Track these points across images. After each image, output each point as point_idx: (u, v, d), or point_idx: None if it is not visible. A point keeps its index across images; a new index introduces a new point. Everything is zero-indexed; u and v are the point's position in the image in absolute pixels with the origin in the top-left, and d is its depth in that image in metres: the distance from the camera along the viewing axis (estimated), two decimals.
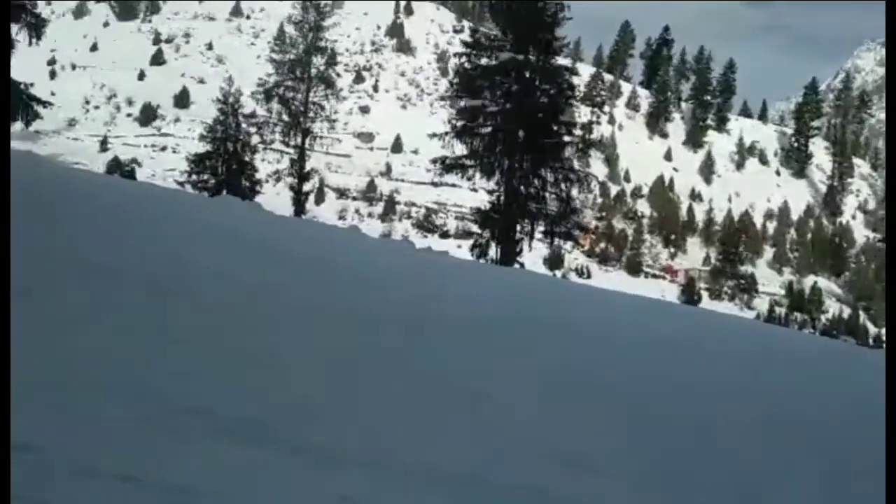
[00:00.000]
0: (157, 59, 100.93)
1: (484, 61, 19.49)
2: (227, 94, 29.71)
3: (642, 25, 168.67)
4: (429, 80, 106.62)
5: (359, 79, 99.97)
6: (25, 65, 21.56)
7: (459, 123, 19.85)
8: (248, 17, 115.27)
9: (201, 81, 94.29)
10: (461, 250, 40.49)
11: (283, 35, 32.43)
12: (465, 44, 21.13)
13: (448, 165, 20.40)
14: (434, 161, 21.30)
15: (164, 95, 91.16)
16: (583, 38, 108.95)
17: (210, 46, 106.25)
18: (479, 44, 19.88)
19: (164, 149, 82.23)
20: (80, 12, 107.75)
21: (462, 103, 19.09)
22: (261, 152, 29.43)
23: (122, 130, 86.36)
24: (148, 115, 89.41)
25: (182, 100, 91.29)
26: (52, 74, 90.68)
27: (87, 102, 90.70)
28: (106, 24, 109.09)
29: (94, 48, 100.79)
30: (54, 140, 78.10)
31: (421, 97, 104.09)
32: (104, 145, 79.89)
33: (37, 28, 21.86)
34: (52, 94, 54.80)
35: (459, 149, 19.95)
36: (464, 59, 20.25)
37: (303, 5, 28.63)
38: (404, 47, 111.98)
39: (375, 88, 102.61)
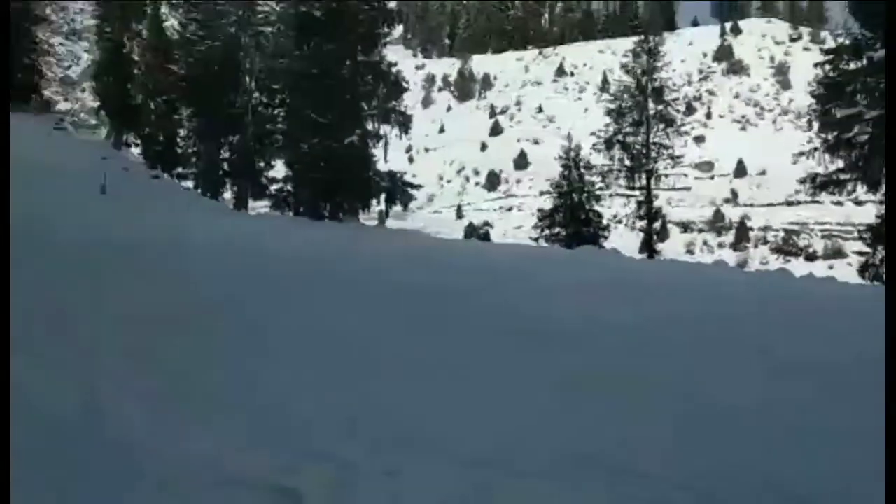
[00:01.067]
0: (495, 130, 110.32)
1: (852, 65, 17.44)
2: (568, 149, 31.00)
3: None
4: (768, 96, 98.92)
5: (689, 110, 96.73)
6: (393, 155, 25.32)
7: (831, 136, 17.91)
8: (571, 75, 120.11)
9: (536, 142, 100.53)
10: (834, 272, 36.39)
11: (606, 85, 32.99)
12: (826, 51, 19.21)
13: (822, 183, 18.45)
14: (803, 181, 19.46)
15: (505, 160, 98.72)
16: None
17: (540, 109, 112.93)
18: (845, 47, 17.84)
19: (509, 209, 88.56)
20: (426, 102, 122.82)
21: (835, 113, 17.16)
22: (606, 199, 29.95)
23: (473, 198, 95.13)
24: (493, 180, 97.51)
25: (521, 162, 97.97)
26: (411, 160, 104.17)
27: (441, 178, 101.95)
28: (448, 109, 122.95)
29: (441, 130, 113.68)
30: (418, 214, 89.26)
31: (761, 116, 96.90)
32: (459, 213, 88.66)
33: (405, 125, 25.22)
34: (413, 175, 63.25)
35: (824, 162, 18.10)
36: (827, 66, 18.32)
37: (633, 51, 28.87)
38: (736, 68, 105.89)
39: (709, 116, 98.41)
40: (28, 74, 38.19)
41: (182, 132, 32.79)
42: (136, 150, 34.51)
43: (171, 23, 33.24)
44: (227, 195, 30.85)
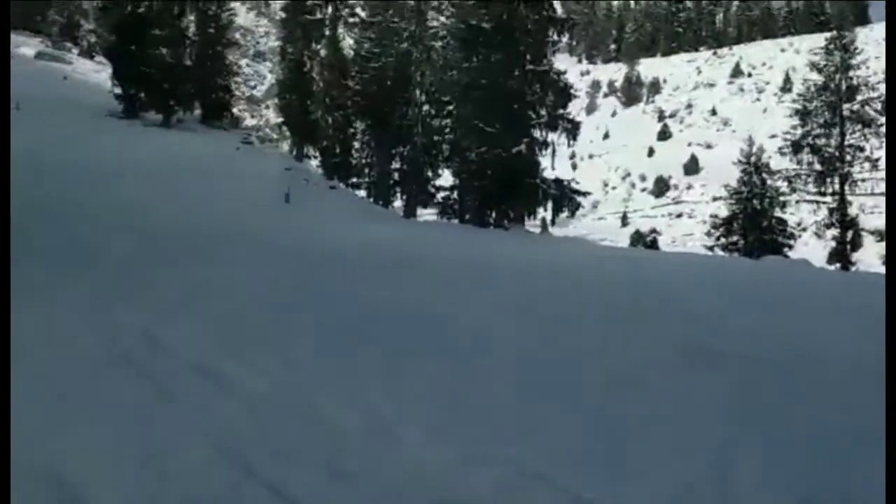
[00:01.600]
0: (664, 134, 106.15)
1: None
2: (748, 153, 29.19)
3: None
4: None
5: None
6: (558, 163, 25.13)
7: None
8: (748, 75, 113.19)
9: (708, 146, 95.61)
10: None
11: (788, 84, 30.54)
12: None
13: None
14: None
15: (674, 165, 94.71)
16: None
17: (713, 112, 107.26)
18: None
19: (679, 216, 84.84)
20: (590, 108, 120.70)
21: None
22: (792, 206, 27.79)
23: (639, 204, 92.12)
24: (661, 186, 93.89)
25: (691, 167, 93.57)
26: (574, 166, 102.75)
27: (605, 184, 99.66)
28: (614, 114, 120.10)
29: (605, 136, 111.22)
30: (581, 221, 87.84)
31: None
32: (624, 220, 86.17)
33: (573, 132, 24.86)
34: (576, 182, 62.54)
35: None
36: None
37: (825, 47, 26.63)
38: None
39: None
40: (221, 94, 41.99)
41: (356, 144, 34.49)
42: (314, 162, 36.74)
43: (348, 42, 35.11)
44: (397, 203, 32.08)
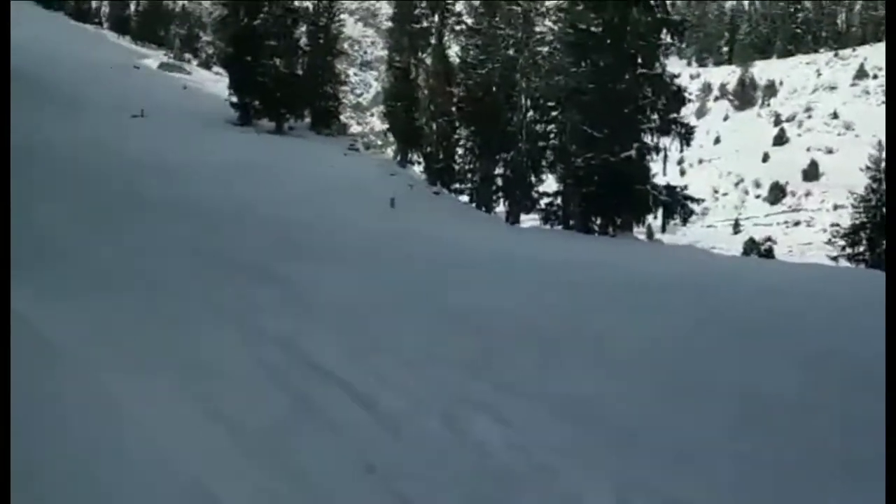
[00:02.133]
0: (780, 139, 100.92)
1: None
2: (879, 159, 27.32)
3: None
4: None
5: None
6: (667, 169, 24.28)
7: None
8: (874, 77, 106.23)
9: (829, 151, 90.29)
10: None
11: None
12: None
13: None
14: None
15: (791, 171, 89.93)
16: None
17: (835, 115, 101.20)
18: None
19: (796, 224, 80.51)
20: (700, 112, 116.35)
21: None
22: None
23: (753, 212, 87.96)
24: (776, 193, 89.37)
25: (811, 173, 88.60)
26: (682, 172, 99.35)
27: (716, 191, 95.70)
28: (725, 118, 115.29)
29: (716, 141, 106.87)
30: (690, 229, 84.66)
31: None
32: (736, 228, 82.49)
33: (686, 137, 24.01)
34: (685, 188, 60.46)
35: None
36: None
37: None
38: None
39: None
40: (330, 102, 43.25)
41: (459, 150, 34.61)
42: (418, 168, 37.15)
43: (454, 49, 35.33)
44: (499, 209, 31.93)
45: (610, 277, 9.25)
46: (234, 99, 41.21)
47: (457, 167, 34.60)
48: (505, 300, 7.13)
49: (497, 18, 30.61)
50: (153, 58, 63.56)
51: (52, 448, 2.76)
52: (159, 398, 3.67)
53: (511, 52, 29.54)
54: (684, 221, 25.54)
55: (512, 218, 29.49)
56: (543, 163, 29.71)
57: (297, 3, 41.32)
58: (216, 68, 62.83)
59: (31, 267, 5.89)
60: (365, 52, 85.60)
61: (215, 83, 57.56)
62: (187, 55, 71.63)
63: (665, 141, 22.82)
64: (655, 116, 22.35)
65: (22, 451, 2.48)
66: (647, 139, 22.69)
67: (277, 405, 4.02)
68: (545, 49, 28.75)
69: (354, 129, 59.42)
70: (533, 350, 5.24)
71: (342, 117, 47.19)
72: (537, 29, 29.55)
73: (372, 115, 69.73)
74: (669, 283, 8.96)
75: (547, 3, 29.45)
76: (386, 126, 42.96)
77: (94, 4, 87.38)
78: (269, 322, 5.38)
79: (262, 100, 40.41)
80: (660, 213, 22.74)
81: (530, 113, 29.48)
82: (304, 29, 42.27)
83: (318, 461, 3.31)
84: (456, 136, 34.44)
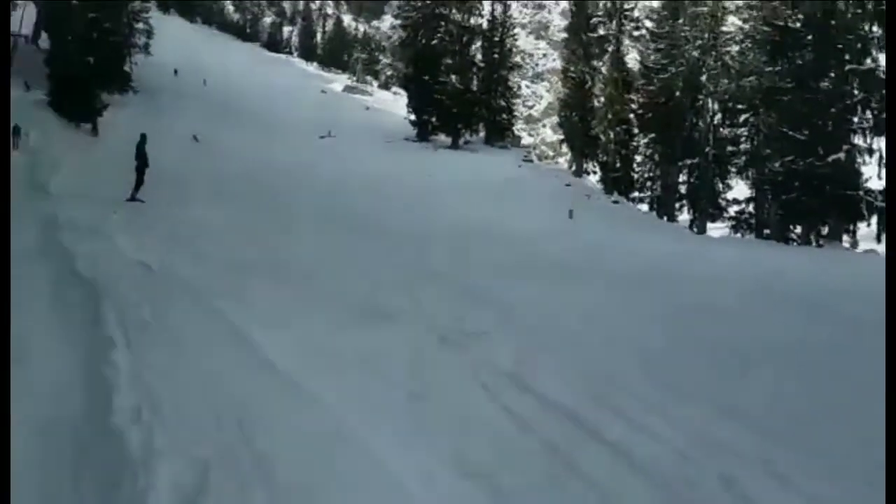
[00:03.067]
0: None
1: None
2: None
3: None
4: None
5: None
6: (868, 171, 21.89)
7: None
8: None
9: None
10: None
11: None
12: None
13: None
14: None
15: None
16: None
17: None
18: None
19: None
20: None
21: None
22: None
23: None
24: None
25: None
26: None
27: None
28: None
29: None
30: None
31: None
32: None
33: None
34: None
35: None
36: None
37: None
38: None
39: None
40: (503, 115, 43.86)
41: (638, 158, 33.72)
42: (594, 178, 36.63)
43: (632, 56, 34.54)
44: (681, 217, 30.66)
45: None
46: (413, 117, 43.06)
47: (635, 175, 33.72)
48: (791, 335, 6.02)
49: (681, 20, 29.55)
50: (338, 82, 67.95)
51: None
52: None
53: (696, 54, 28.38)
54: None
55: (698, 227, 28.21)
56: (732, 169, 28.21)
57: (472, 21, 42.41)
58: (395, 89, 66.02)
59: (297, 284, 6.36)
60: (536, 65, 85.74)
61: (394, 102, 60.42)
62: (368, 77, 75.78)
63: (880, 142, 20.70)
64: (869, 115, 20.38)
65: None
66: (859, 140, 20.74)
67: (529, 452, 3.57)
68: (734, 49, 27.33)
69: (526, 140, 59.75)
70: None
71: (515, 129, 47.62)
72: (725, 29, 28.16)
73: (544, 126, 69.57)
74: None
75: (736, 2, 28.00)
76: (559, 137, 42.81)
77: (285, 35, 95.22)
78: (495, 354, 4.82)
79: (438, 116, 41.85)
80: (874, 220, 20.61)
81: (717, 117, 28.13)
82: (478, 45, 43.29)
83: None
84: (634, 144, 33.60)
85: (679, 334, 5.79)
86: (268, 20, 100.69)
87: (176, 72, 45.73)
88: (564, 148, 44.08)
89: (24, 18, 29.35)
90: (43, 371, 3.75)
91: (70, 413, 3.33)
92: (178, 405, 3.38)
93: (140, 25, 39.14)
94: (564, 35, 42.75)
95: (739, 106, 26.38)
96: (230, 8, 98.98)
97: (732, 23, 28.08)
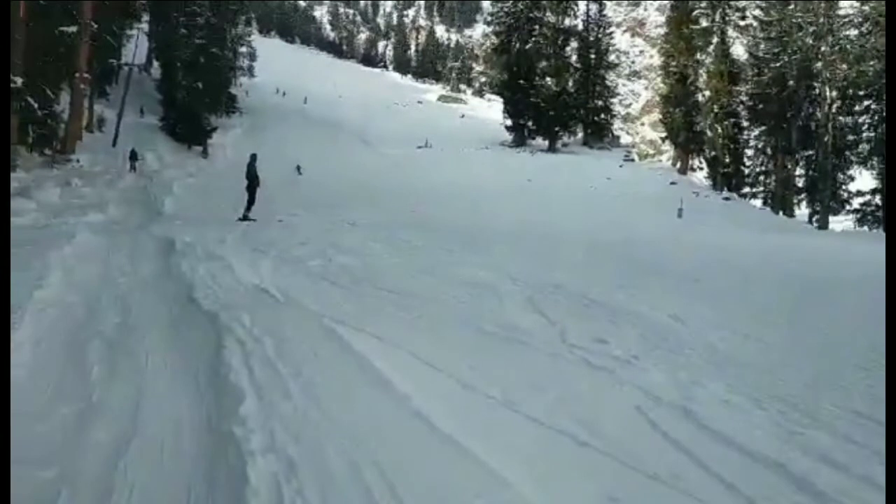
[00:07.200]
0: None
1: None
2: None
3: None
4: None
5: None
6: None
7: None
8: None
9: None
10: None
11: None
12: None
13: None
14: None
15: None
16: None
17: None
18: None
19: None
20: None
21: None
22: None
23: None
24: None
25: None
26: None
27: None
28: None
29: None
30: None
31: None
32: None
33: None
34: None
35: None
36: None
37: None
38: None
39: None
40: (601, 115, 43.24)
41: (749, 152, 32.40)
42: (700, 174, 35.45)
43: (738, 47, 33.28)
44: (798, 212, 29.18)
45: None
46: (508, 122, 43.05)
47: (746, 170, 32.38)
48: None
49: (791, 6, 28.21)
50: (432, 92, 69.03)
51: None
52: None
53: (810, 40, 26.98)
54: None
55: (819, 222, 26.75)
56: (853, 158, 26.64)
57: (567, 22, 42.05)
58: (489, 95, 66.36)
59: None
60: (633, 62, 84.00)
61: (488, 109, 60.90)
62: (462, 86, 76.57)
63: None
64: None
65: None
66: None
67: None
68: (853, 32, 25.82)
69: (625, 139, 58.60)
70: None
71: (613, 129, 46.80)
72: (841, 12, 26.66)
73: (643, 124, 68.04)
74: None
75: None
76: (659, 134, 41.73)
77: (379, 50, 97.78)
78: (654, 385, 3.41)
79: (535, 120, 41.66)
80: None
81: (836, 104, 26.61)
82: (574, 46, 42.84)
83: None
84: (744, 138, 32.30)
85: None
86: (362, 36, 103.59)
87: (284, 93, 47.67)
88: (666, 145, 42.94)
89: (137, 49, 31.27)
90: None
91: None
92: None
93: (243, 49, 41.06)
94: (662, 30, 41.74)
95: (861, 92, 24.90)
96: (327, 27, 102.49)
97: (851, 5, 26.54)
